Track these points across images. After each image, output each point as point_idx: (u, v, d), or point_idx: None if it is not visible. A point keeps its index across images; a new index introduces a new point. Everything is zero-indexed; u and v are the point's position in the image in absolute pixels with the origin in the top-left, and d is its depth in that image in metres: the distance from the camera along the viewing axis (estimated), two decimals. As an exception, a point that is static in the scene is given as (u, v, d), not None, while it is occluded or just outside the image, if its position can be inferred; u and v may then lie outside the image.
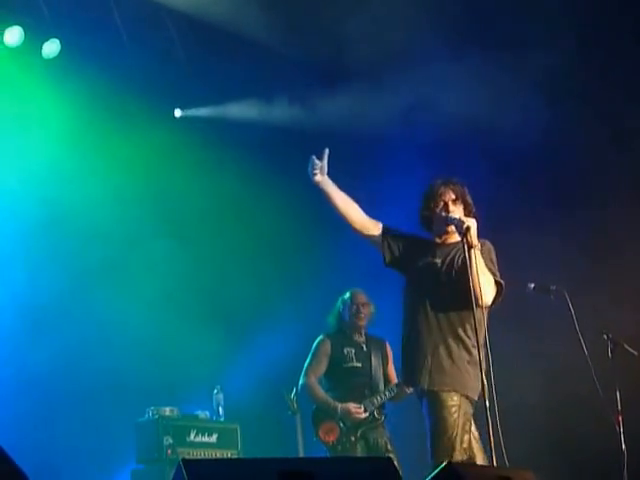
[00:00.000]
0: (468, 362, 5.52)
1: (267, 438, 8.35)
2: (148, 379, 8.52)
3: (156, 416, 7.95)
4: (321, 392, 7.51)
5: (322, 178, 5.63)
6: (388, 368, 7.65)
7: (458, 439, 5.38)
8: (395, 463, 6.76)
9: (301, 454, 7.78)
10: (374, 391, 7.45)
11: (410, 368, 5.64)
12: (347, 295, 7.68)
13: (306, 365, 7.61)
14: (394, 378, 7.62)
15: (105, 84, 8.49)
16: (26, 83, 8.49)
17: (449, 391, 5.45)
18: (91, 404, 8.36)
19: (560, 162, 8.66)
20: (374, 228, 5.76)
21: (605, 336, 7.01)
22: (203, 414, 8.27)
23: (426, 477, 4.04)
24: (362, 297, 7.65)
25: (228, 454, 8.11)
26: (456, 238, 5.59)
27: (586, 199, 8.59)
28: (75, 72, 8.45)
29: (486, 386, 5.04)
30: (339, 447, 7.33)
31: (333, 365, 7.56)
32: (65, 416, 8.24)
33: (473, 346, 5.48)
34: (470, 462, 5.28)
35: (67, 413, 8.25)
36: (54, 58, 8.46)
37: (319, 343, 7.64)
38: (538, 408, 8.40)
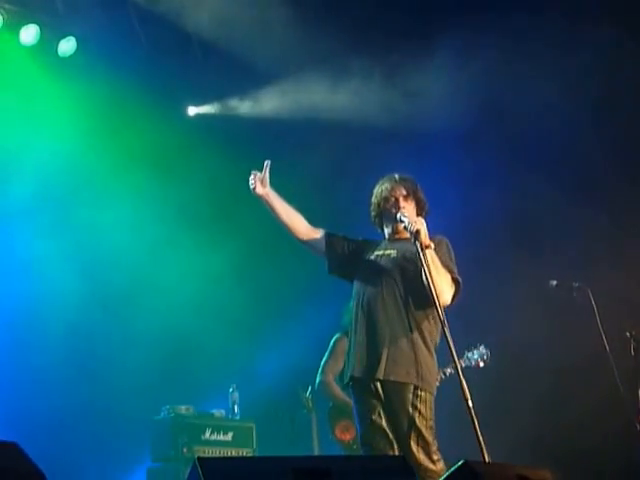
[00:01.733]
0: (428, 357, 5.41)
1: (282, 437, 8.34)
2: (164, 377, 8.53)
3: (172, 414, 7.95)
4: (338, 390, 7.46)
5: (264, 191, 5.58)
6: None
7: (432, 433, 5.29)
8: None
9: (317, 452, 7.77)
10: None
11: (368, 359, 5.39)
12: None
13: (323, 363, 7.57)
14: None
15: (121, 81, 8.50)
16: (42, 81, 8.50)
17: (416, 387, 5.30)
18: (107, 403, 8.36)
19: (585, 155, 8.61)
20: (318, 237, 5.70)
21: (628, 334, 6.97)
22: (219, 412, 8.26)
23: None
24: None
25: (243, 452, 8.11)
26: (408, 234, 5.47)
27: (614, 195, 8.56)
28: (91, 70, 8.47)
29: (465, 385, 4.94)
30: (355, 446, 7.25)
31: None
32: (81, 414, 8.24)
33: (432, 341, 5.41)
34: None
35: (83, 411, 8.25)
36: (70, 56, 8.49)
37: (336, 341, 7.60)
38: (555, 405, 8.38)
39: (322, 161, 8.90)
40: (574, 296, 7.10)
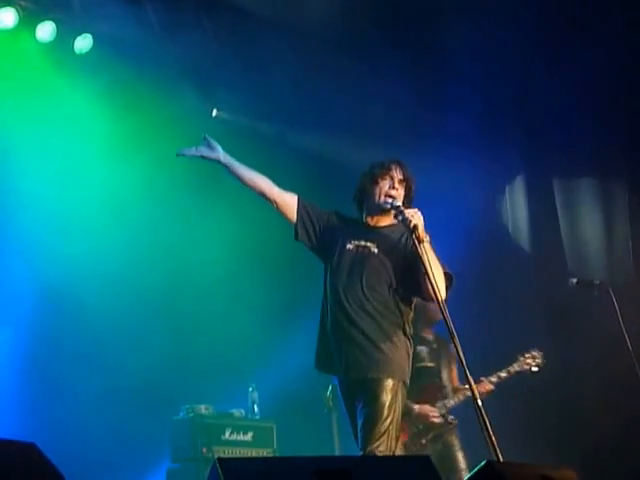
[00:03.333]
0: (407, 350, 5.41)
1: (303, 436, 8.27)
2: (183, 377, 8.50)
3: (191, 414, 7.94)
4: None
5: (215, 154, 5.57)
6: (452, 370, 7.36)
7: (395, 426, 5.25)
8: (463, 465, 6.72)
9: (337, 453, 7.72)
10: (445, 393, 7.20)
11: (360, 359, 5.35)
12: None
13: None
14: (456, 380, 7.35)
15: (138, 79, 8.44)
16: (58, 79, 8.44)
17: (388, 377, 5.29)
18: (126, 402, 8.33)
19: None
20: (289, 200, 5.61)
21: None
22: (238, 412, 8.25)
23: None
24: None
25: (264, 452, 8.09)
26: (389, 221, 5.50)
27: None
28: (108, 67, 8.42)
29: (473, 385, 4.85)
30: (412, 448, 7.05)
31: None
32: (99, 415, 8.21)
33: (411, 335, 5.43)
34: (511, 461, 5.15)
35: (101, 412, 8.22)
36: (86, 53, 8.43)
37: None
38: (576, 404, 8.32)
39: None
40: (595, 294, 7.03)
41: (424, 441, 7.05)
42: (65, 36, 8.32)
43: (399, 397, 5.31)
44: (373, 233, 5.53)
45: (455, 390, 7.25)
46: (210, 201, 9.03)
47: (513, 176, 9.11)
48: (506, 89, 8.59)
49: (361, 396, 5.33)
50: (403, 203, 5.45)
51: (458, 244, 7.43)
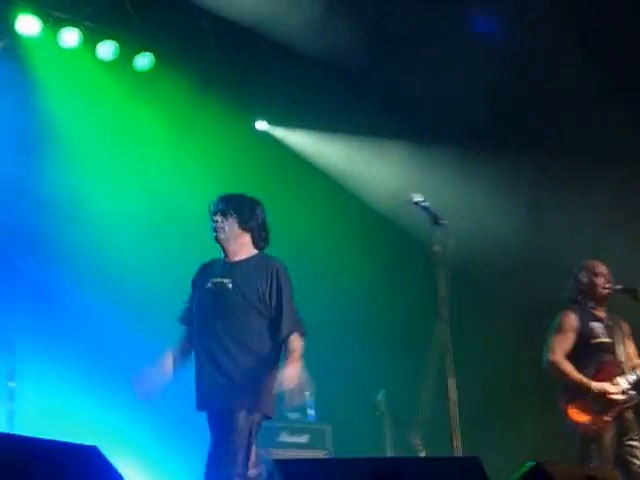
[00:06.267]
0: (271, 370, 5.66)
1: (357, 438, 8.36)
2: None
3: (248, 417, 8.02)
4: (570, 368, 6.81)
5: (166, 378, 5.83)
6: (629, 346, 7.05)
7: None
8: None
9: (389, 454, 7.82)
10: (624, 369, 6.83)
11: (216, 391, 5.60)
12: (587, 265, 7.10)
13: (551, 340, 6.94)
14: (635, 356, 7.03)
15: (196, 97, 8.62)
16: (119, 96, 8.61)
17: (241, 408, 5.54)
18: (183, 405, 8.40)
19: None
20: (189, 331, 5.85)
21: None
22: (294, 415, 8.34)
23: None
24: (605, 268, 7.05)
25: (319, 454, 8.17)
26: (246, 254, 5.77)
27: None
28: (167, 85, 8.59)
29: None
30: (593, 427, 6.68)
31: (580, 340, 6.89)
32: (155, 415, 8.26)
33: (273, 361, 5.68)
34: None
35: (153, 415, 8.29)
36: (147, 71, 8.60)
37: (564, 316, 7.00)
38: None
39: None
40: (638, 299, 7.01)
41: (607, 418, 6.68)
42: (126, 54, 8.49)
43: (254, 427, 5.58)
44: (230, 269, 5.76)
45: (634, 365, 6.93)
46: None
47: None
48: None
49: (217, 427, 5.61)
50: (243, 225, 5.76)
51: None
